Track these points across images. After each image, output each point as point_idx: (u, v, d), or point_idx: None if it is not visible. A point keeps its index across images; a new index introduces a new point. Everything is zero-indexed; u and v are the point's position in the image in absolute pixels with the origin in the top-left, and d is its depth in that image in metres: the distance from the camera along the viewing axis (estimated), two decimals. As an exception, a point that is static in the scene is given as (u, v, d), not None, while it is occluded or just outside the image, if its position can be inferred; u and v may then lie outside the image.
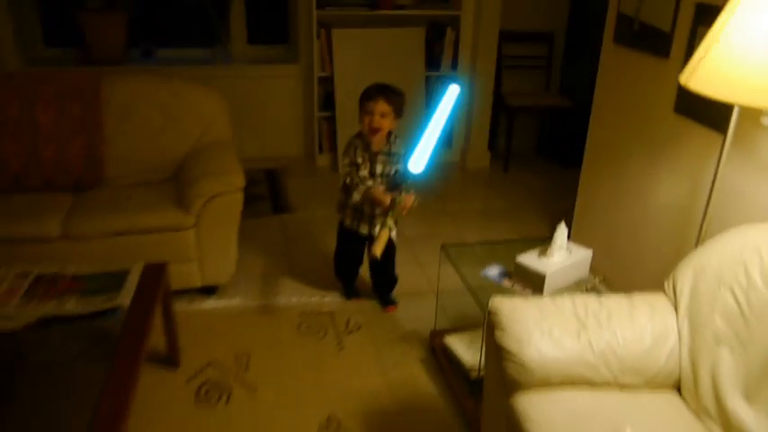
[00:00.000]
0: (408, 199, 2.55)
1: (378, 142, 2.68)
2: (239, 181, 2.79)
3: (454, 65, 4.59)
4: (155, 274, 2.28)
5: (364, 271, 3.05)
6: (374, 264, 2.88)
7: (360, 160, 2.67)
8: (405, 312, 2.95)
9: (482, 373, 2.08)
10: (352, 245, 2.91)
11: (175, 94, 3.17)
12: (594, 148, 3.03)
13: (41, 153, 3.03)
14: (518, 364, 1.75)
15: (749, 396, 1.66)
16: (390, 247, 2.82)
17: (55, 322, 2.00)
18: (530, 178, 4.55)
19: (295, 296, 3.04)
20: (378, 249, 2.50)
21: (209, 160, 2.95)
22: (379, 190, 2.62)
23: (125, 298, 2.11)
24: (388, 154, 2.70)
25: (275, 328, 2.80)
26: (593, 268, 2.38)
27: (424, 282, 3.20)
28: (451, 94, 2.51)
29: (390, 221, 2.55)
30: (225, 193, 2.76)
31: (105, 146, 3.08)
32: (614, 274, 2.75)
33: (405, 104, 2.73)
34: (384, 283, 3.01)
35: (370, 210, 2.74)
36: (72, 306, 2.06)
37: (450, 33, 4.51)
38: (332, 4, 4.26)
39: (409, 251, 3.48)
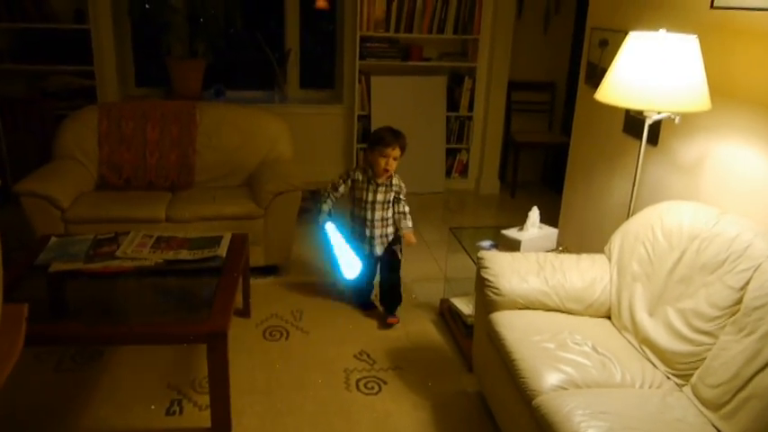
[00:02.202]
0: (410, 236, 3.26)
1: (383, 178, 3.21)
2: (298, 183, 3.67)
3: (470, 108, 5.50)
4: (240, 240, 3.14)
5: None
6: (385, 278, 3.38)
7: (343, 188, 3.26)
8: (421, 290, 3.75)
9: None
10: (364, 266, 3.35)
11: (250, 120, 4.11)
12: (573, 166, 3.87)
13: (147, 161, 3.97)
14: (495, 290, 2.56)
15: (650, 312, 2.43)
16: (396, 262, 3.37)
17: (175, 263, 2.87)
18: (533, 202, 5.33)
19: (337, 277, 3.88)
20: None
21: (276, 168, 3.84)
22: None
23: (222, 250, 2.97)
24: (389, 186, 3.23)
25: (322, 296, 3.63)
26: (566, 246, 3.18)
27: (438, 271, 4.01)
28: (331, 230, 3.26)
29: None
30: (287, 191, 3.63)
31: (196, 157, 4.01)
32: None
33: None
34: (390, 300, 3.40)
35: (362, 231, 3.28)
36: (185, 254, 2.93)
37: (467, 81, 5.43)
38: (371, 56, 5.23)
39: (427, 250, 4.31)
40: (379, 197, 3.23)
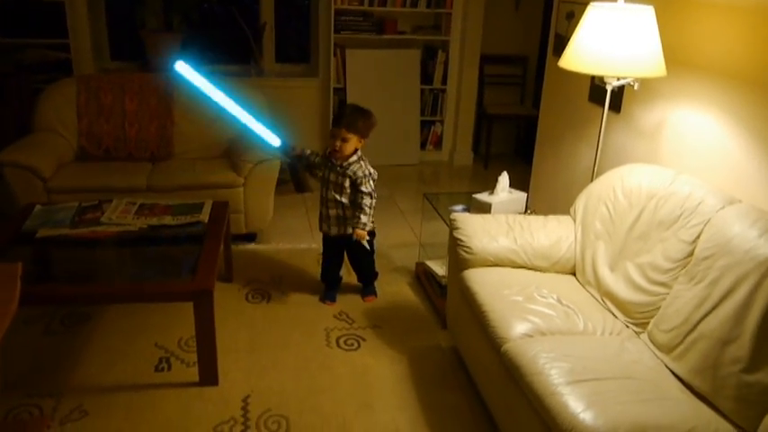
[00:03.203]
0: (359, 233, 3.08)
1: (339, 158, 3.06)
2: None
3: (444, 81, 5.61)
4: (221, 207, 3.24)
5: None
6: (352, 262, 3.37)
7: (316, 158, 3.16)
8: (398, 255, 3.89)
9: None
10: (329, 248, 3.33)
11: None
12: (543, 134, 4.03)
13: (127, 132, 4.04)
14: (467, 249, 2.71)
15: (611, 268, 2.60)
16: (362, 251, 3.23)
17: (159, 228, 2.96)
18: (505, 173, 5.53)
19: (315, 244, 3.99)
20: None
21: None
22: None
23: (204, 216, 3.08)
24: (343, 169, 3.05)
25: (300, 262, 3.75)
26: (535, 211, 3.34)
27: (413, 238, 4.15)
28: (182, 70, 3.02)
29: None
30: (266, 160, 3.73)
31: (174, 128, 4.08)
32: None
33: (371, 126, 3.03)
34: (363, 278, 3.41)
35: (321, 209, 3.20)
36: (168, 220, 3.03)
37: (441, 55, 5.54)
38: (346, 29, 5.31)
39: (402, 218, 4.47)
40: (332, 177, 3.10)
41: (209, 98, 3.21)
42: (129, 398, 2.53)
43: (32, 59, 4.81)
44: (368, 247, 3.22)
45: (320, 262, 3.49)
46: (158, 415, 2.44)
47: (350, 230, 3.14)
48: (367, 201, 3.07)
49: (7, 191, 3.52)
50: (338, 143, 3.00)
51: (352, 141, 3.01)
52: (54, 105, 3.96)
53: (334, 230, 3.21)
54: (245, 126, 3.20)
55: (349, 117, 3.01)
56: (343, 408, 2.54)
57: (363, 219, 3.08)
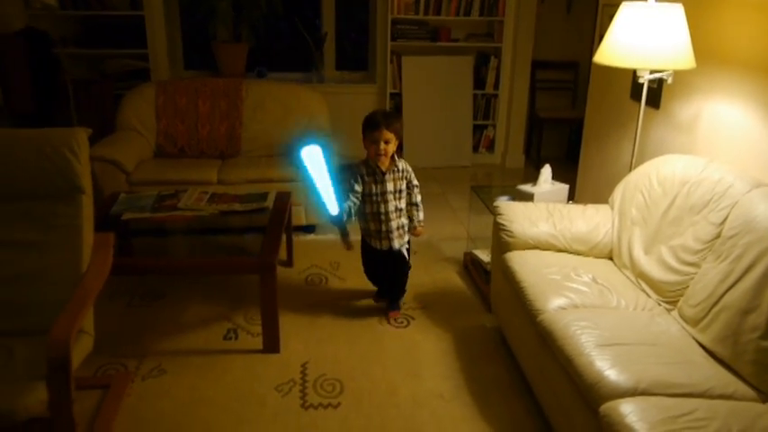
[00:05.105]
0: (420, 230, 3.18)
1: (384, 164, 3.03)
2: (335, 149, 4.05)
3: (496, 86, 5.82)
4: (284, 196, 3.54)
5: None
6: (389, 281, 3.31)
7: (359, 186, 3.03)
8: (447, 247, 4.11)
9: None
10: (372, 258, 3.26)
11: (291, 94, 4.51)
12: (589, 133, 4.19)
13: (199, 132, 4.41)
14: (508, 232, 2.92)
15: (646, 251, 2.75)
16: (403, 263, 3.21)
17: (229, 214, 3.28)
18: (556, 175, 5.65)
19: (370, 236, 4.25)
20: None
21: (315, 137, 4.23)
22: None
23: (269, 203, 3.38)
24: (397, 171, 3.06)
25: (356, 250, 4.00)
26: (575, 201, 3.51)
27: (463, 232, 4.36)
28: (311, 157, 2.84)
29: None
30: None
31: (242, 129, 4.43)
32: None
33: (402, 127, 3.16)
34: (394, 293, 3.32)
35: (377, 227, 3.10)
36: (238, 206, 3.34)
37: (493, 61, 5.75)
38: (402, 38, 5.59)
39: (453, 215, 4.68)
40: (389, 186, 3.04)
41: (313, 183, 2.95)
42: (202, 360, 2.84)
43: (114, 68, 5.28)
44: (407, 257, 3.22)
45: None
46: (227, 375, 2.74)
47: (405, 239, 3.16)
48: (420, 197, 3.15)
49: (94, 182, 3.91)
50: (382, 145, 2.96)
51: (393, 142, 2.99)
52: (135, 107, 4.37)
53: (397, 243, 3.12)
54: (313, 185, 2.96)
55: (386, 119, 2.99)
56: (391, 375, 2.78)
57: (422, 215, 3.17)
